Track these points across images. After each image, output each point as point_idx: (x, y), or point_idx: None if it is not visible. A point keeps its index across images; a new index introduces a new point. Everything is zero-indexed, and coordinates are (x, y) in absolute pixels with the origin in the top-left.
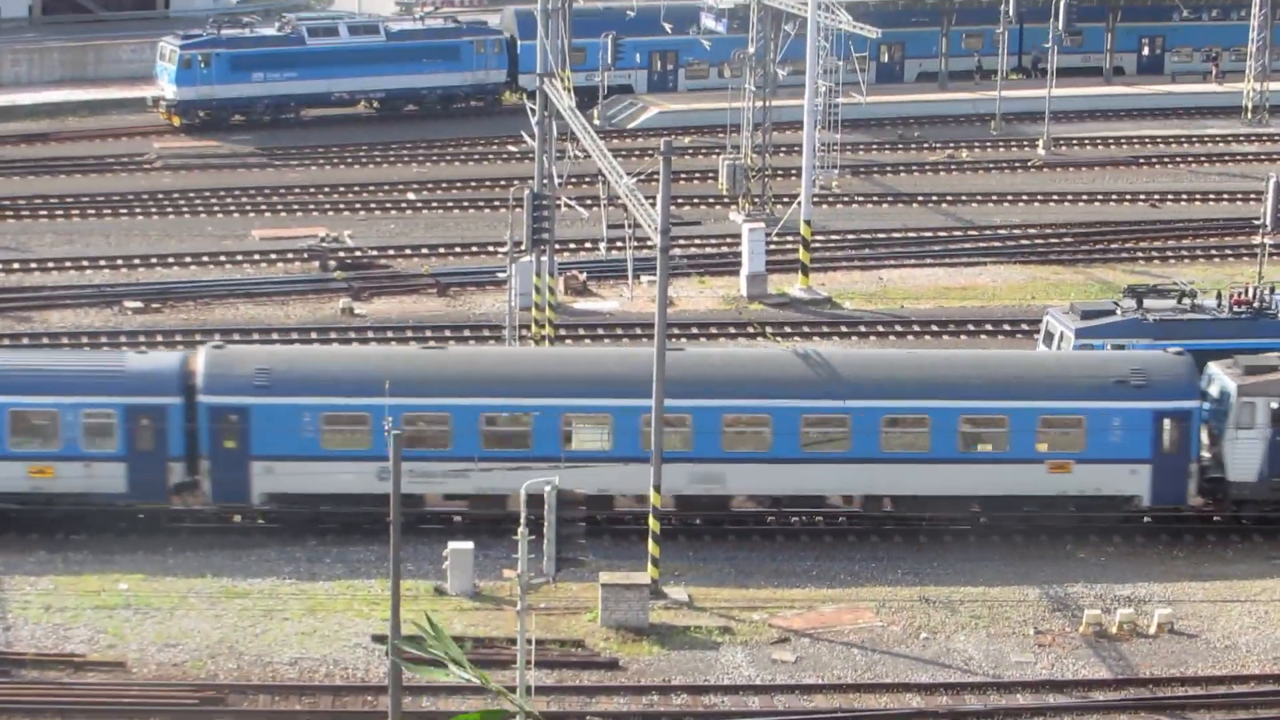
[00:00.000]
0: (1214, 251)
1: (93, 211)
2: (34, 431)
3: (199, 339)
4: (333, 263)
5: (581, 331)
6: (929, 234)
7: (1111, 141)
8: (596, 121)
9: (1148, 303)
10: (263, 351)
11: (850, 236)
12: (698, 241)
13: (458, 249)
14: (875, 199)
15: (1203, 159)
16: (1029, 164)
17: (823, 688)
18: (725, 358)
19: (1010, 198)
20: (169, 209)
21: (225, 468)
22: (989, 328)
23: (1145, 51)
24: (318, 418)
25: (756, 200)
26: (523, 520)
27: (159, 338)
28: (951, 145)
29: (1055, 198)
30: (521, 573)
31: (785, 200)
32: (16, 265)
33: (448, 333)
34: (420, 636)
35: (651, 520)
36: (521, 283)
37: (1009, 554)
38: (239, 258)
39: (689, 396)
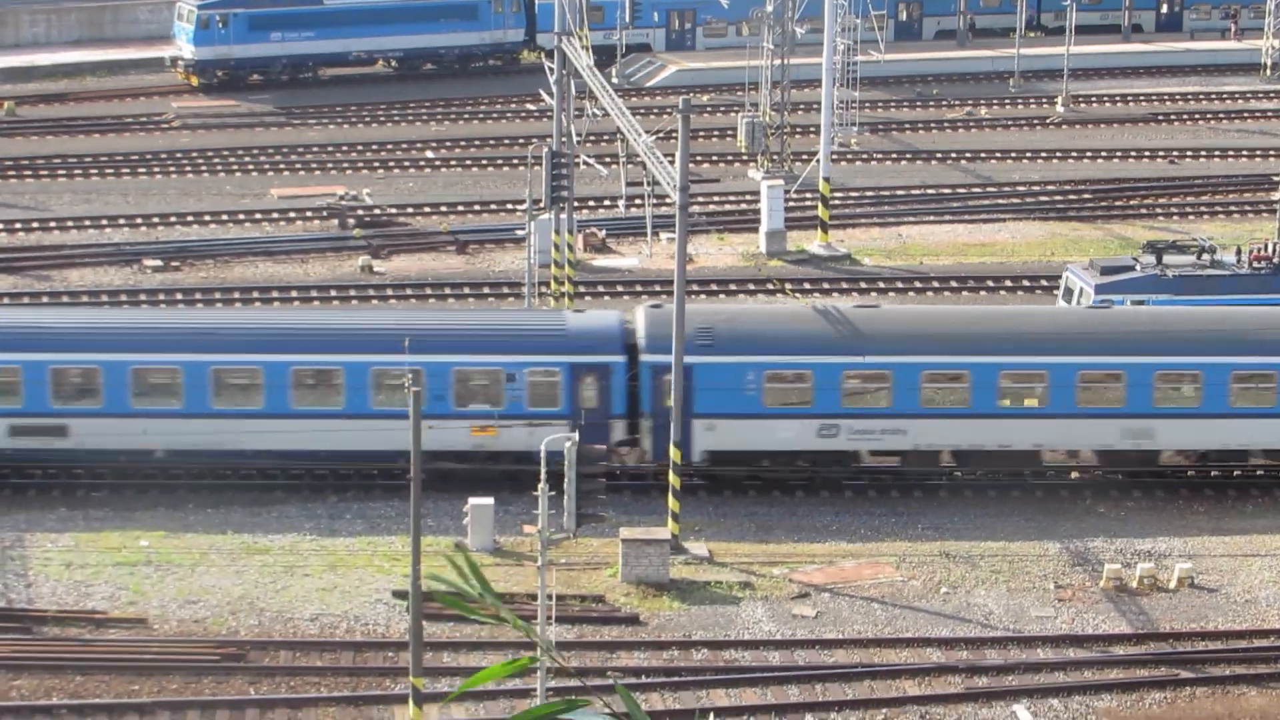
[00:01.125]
0: (1233, 208)
1: (111, 171)
2: (478, 391)
3: (219, 297)
4: (351, 221)
5: (601, 289)
6: (948, 191)
7: (1130, 99)
8: (615, 80)
9: (1167, 259)
10: (702, 310)
11: (869, 194)
12: (717, 199)
13: (476, 207)
14: (894, 156)
15: (1221, 116)
16: (1048, 121)
17: (843, 643)
18: (1156, 315)
19: (1029, 155)
20: (188, 168)
21: (666, 425)
22: (1008, 284)
23: (1164, 9)
24: (761, 375)
25: (775, 158)
26: (543, 475)
27: (179, 296)
28: (970, 102)
29: (1074, 154)
30: (542, 528)
31: (804, 158)
32: (36, 224)
33: (466, 290)
34: (449, 573)
35: (672, 475)
36: (540, 240)
37: (1029, 509)
38: (258, 216)
39: (1122, 354)
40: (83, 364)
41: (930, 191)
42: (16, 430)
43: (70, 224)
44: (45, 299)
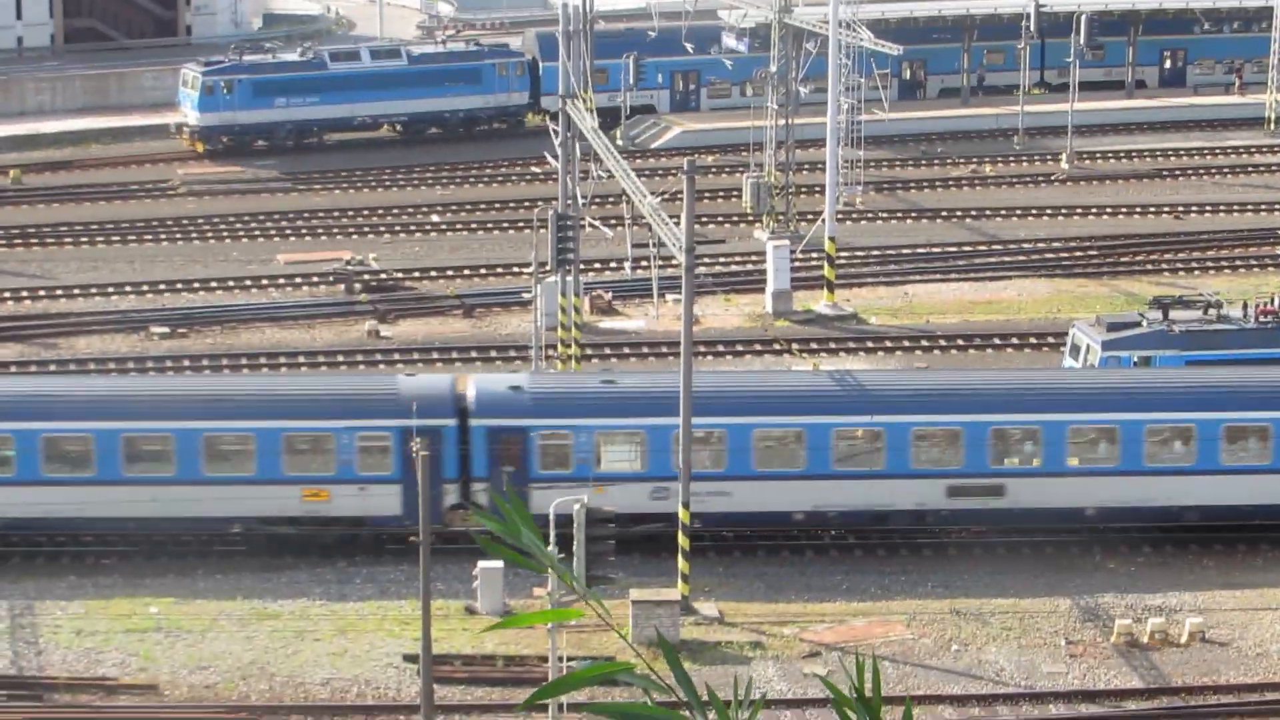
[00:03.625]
0: (1239, 262)
1: (117, 238)
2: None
3: (225, 363)
4: (358, 285)
5: (608, 351)
6: (953, 249)
7: (1134, 154)
8: (619, 142)
9: (1173, 314)
10: None
11: (875, 252)
12: (722, 259)
13: (482, 270)
14: (899, 215)
15: (1226, 170)
16: (1052, 178)
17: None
18: None
19: (1034, 212)
20: (194, 234)
21: None
22: (1015, 341)
23: (1167, 65)
24: None
25: (781, 217)
26: (552, 538)
27: (186, 362)
28: (975, 160)
29: (1079, 211)
30: (552, 591)
31: (809, 217)
32: (42, 292)
33: (474, 354)
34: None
35: (681, 537)
36: (547, 303)
37: (1039, 565)
38: (264, 282)
39: None
40: (1019, 424)
41: (936, 250)
42: (955, 491)
43: (76, 291)
44: (53, 367)
